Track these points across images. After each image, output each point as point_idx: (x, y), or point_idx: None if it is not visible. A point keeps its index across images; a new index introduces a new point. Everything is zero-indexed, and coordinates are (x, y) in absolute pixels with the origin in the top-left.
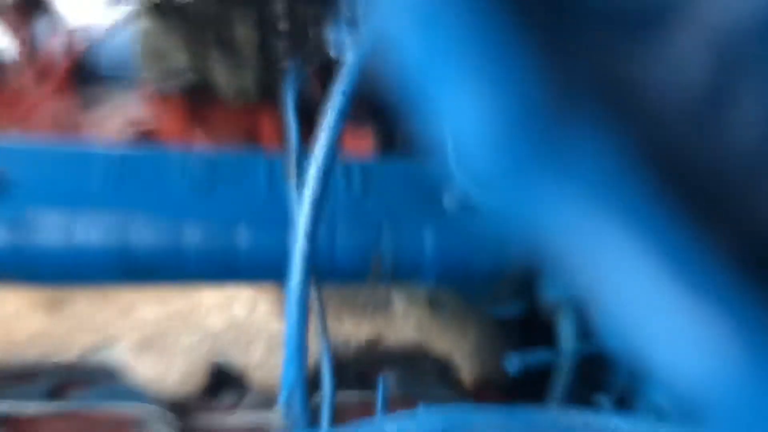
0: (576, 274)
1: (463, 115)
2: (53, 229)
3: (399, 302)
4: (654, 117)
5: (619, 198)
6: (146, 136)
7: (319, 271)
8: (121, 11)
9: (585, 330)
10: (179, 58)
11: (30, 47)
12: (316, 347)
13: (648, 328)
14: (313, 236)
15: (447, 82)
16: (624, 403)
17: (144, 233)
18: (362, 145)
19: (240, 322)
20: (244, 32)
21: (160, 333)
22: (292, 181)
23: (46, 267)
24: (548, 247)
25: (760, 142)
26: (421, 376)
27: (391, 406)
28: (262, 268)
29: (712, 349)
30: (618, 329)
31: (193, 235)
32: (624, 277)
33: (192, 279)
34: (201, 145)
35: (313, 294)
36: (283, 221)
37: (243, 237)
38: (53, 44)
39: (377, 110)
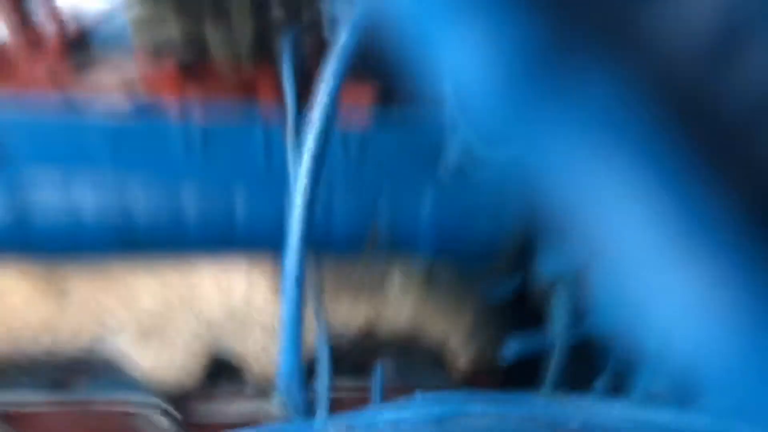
0: (580, 224)
1: (467, 60)
2: (52, 195)
3: (395, 285)
4: (663, 61)
5: (627, 138)
6: (142, 99)
7: (317, 242)
8: None
9: (579, 312)
10: (171, 27)
11: (22, 22)
12: (313, 332)
13: (651, 284)
14: (310, 201)
15: (448, 27)
16: (617, 387)
17: (142, 200)
18: (361, 101)
19: (238, 309)
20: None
21: (159, 322)
22: (291, 143)
23: (45, 234)
24: (552, 196)
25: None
26: (416, 361)
27: (387, 393)
28: (260, 234)
29: (714, 306)
30: (620, 290)
31: (190, 201)
32: (630, 227)
33: (190, 246)
34: (197, 106)
35: (310, 276)
36: (280, 187)
37: (240, 203)
38: (45, 17)
39: (377, 67)
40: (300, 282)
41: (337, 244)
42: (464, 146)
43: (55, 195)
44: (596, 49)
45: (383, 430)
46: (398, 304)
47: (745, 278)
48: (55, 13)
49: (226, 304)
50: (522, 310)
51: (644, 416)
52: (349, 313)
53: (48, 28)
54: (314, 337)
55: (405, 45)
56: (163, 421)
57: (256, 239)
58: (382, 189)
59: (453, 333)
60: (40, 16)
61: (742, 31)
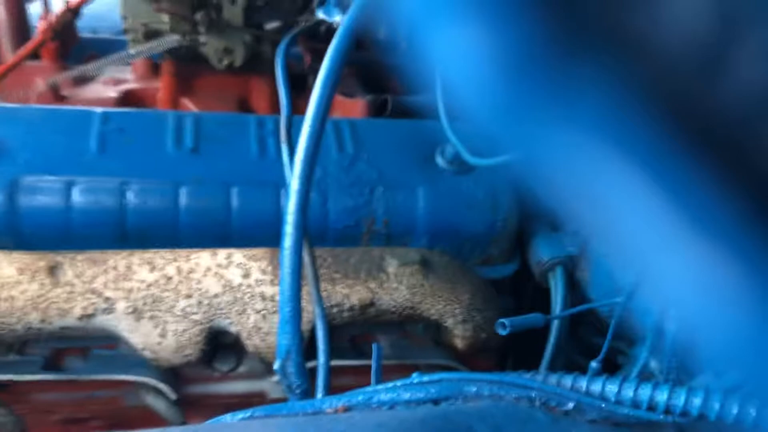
0: (580, 215)
1: (465, 60)
2: (48, 193)
3: (392, 265)
4: (659, 61)
5: (625, 138)
6: (137, 106)
7: (312, 232)
8: None
9: (576, 294)
10: (166, 30)
11: (19, 23)
12: (310, 311)
13: (652, 268)
14: (305, 198)
15: (446, 26)
16: (613, 366)
17: (137, 196)
18: (354, 115)
19: (235, 286)
20: (230, 2)
21: (155, 299)
22: (285, 143)
23: (41, 231)
24: (552, 189)
25: (764, 87)
26: (414, 340)
27: (385, 372)
28: (256, 230)
29: (714, 289)
30: (620, 272)
31: (186, 198)
32: (630, 216)
33: (185, 242)
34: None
35: (306, 258)
36: (275, 183)
37: (236, 199)
38: (42, 19)
39: (369, 80)
40: (297, 258)
41: (332, 240)
42: (453, 153)
43: (51, 190)
44: (597, 50)
45: (380, 411)
46: (395, 286)
47: (748, 256)
48: (55, 20)
49: (222, 279)
50: (520, 291)
51: (637, 396)
52: (345, 295)
53: (46, 31)
54: (312, 315)
55: (401, 44)
56: (158, 400)
57: (252, 237)
58: (377, 182)
59: (450, 312)
60: (38, 18)
61: (734, 31)
